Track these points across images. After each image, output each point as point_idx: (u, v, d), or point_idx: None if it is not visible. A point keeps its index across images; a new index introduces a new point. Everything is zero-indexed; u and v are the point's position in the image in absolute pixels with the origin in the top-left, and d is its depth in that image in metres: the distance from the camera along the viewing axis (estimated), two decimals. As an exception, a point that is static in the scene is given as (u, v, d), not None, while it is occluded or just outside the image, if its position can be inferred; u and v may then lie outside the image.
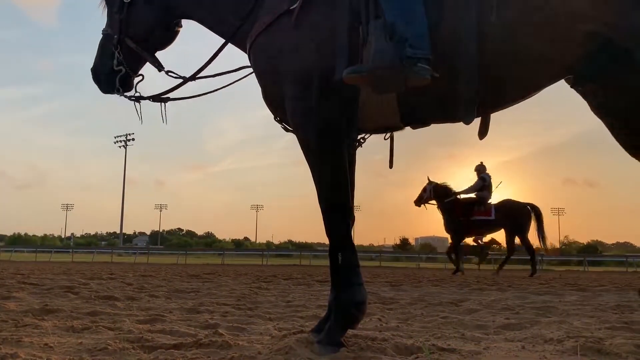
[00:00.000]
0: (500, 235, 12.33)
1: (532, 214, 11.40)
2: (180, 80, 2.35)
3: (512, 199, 11.94)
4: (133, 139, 65.24)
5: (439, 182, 11.86)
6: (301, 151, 2.02)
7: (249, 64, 2.26)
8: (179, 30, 2.45)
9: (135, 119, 2.45)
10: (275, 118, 2.17)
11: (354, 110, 1.95)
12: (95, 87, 2.39)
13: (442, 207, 11.68)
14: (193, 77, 2.34)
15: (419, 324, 2.90)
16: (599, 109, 2.03)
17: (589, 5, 1.67)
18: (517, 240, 11.57)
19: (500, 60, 1.77)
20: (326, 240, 2.01)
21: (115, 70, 2.31)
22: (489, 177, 11.67)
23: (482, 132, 1.92)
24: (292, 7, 1.92)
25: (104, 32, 2.36)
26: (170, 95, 2.39)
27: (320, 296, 4.68)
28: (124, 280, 6.66)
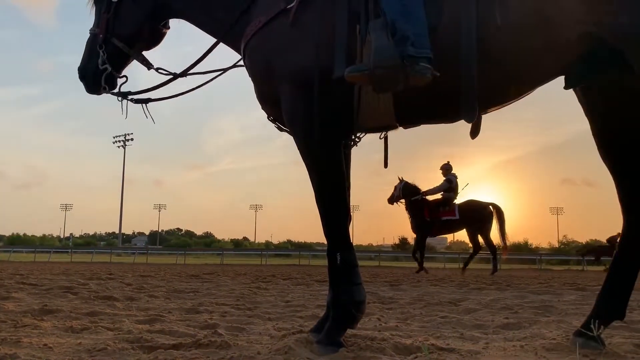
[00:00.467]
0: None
1: (494, 214, 11.58)
2: (171, 78, 2.34)
3: (475, 199, 12.10)
4: (132, 139, 65.25)
5: (409, 182, 12.02)
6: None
7: (236, 63, 2.27)
8: (166, 31, 2.44)
9: (135, 119, 2.46)
10: (268, 117, 2.17)
11: (351, 110, 1.95)
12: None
13: (409, 206, 11.86)
14: (183, 74, 2.33)
15: (418, 323, 2.90)
16: (590, 109, 2.05)
17: (582, 6, 1.69)
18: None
19: (498, 60, 1.78)
20: (325, 240, 2.01)
21: (100, 70, 2.29)
22: (455, 178, 11.89)
23: (474, 132, 1.93)
24: (289, 6, 1.91)
25: (92, 32, 2.34)
26: (158, 94, 2.39)
27: (320, 296, 4.68)
28: (123, 281, 6.65)
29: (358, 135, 2.16)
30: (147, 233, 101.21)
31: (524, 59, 1.78)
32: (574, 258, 25.49)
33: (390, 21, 1.70)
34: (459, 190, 11.78)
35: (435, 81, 1.70)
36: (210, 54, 2.28)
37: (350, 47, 1.83)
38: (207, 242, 76.06)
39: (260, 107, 2.16)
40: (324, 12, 1.89)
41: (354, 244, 2.04)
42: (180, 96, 2.41)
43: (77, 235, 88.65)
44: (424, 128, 2.09)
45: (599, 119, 2.02)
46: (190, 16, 2.31)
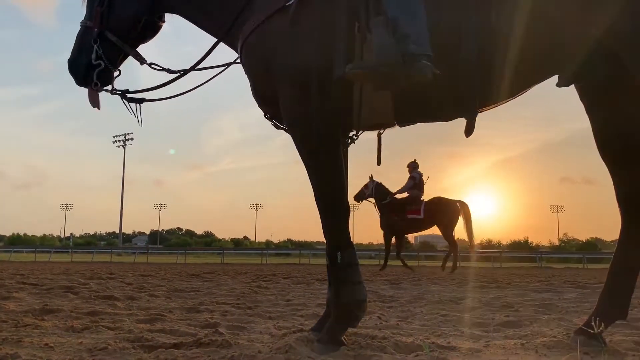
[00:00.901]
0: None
1: (461, 211, 11.62)
2: (173, 76, 2.33)
3: (443, 196, 12.17)
4: (132, 139, 65.17)
5: (379, 182, 12.16)
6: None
7: (233, 61, 2.26)
8: (162, 25, 2.40)
9: (135, 119, 2.45)
10: (265, 115, 2.16)
11: (350, 108, 1.94)
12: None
13: (379, 207, 12.12)
14: (181, 75, 2.32)
15: (418, 322, 2.90)
16: (591, 107, 2.05)
17: (581, 9, 1.69)
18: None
19: (497, 60, 1.78)
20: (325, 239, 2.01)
21: (93, 65, 2.23)
22: (420, 175, 12.00)
23: (469, 130, 1.93)
24: (287, 4, 1.90)
25: (83, 25, 2.29)
26: (158, 94, 2.37)
27: (320, 295, 4.68)
28: (123, 280, 6.66)
29: (355, 133, 2.16)
30: (147, 233, 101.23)
31: (523, 58, 1.78)
32: (575, 256, 25.48)
33: (391, 19, 1.69)
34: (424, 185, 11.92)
35: (435, 79, 1.70)
36: (210, 54, 2.28)
37: (350, 45, 1.82)
38: (208, 241, 76.04)
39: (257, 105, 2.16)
40: (323, 10, 1.88)
41: (354, 243, 2.04)
42: (181, 96, 2.40)
43: (78, 235, 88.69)
44: (424, 128, 2.10)
45: (600, 118, 2.02)
46: (185, 12, 2.28)
